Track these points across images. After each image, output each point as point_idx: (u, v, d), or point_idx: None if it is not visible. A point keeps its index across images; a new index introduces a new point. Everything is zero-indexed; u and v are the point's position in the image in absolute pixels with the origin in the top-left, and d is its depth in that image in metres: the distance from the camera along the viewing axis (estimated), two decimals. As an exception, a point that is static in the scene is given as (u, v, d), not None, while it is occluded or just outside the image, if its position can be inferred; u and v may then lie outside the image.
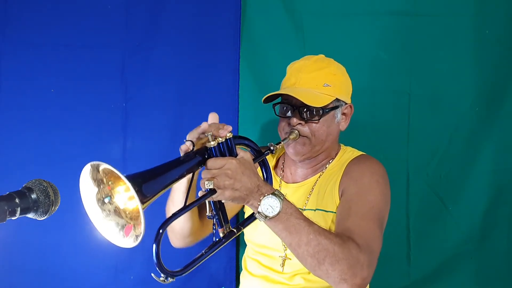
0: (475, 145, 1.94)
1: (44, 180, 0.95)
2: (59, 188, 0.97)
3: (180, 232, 1.56)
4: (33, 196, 0.92)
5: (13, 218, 0.90)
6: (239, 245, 1.92)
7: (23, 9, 1.80)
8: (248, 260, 1.67)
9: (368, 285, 1.62)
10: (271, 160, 1.72)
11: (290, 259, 1.52)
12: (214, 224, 1.27)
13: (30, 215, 0.94)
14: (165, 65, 1.89)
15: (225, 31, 1.91)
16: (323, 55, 1.61)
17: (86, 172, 1.03)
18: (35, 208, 0.92)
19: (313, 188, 1.57)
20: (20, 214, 0.91)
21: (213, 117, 1.29)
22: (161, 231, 1.10)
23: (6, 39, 1.80)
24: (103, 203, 1.06)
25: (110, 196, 1.06)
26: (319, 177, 1.58)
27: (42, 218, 0.95)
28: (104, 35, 1.85)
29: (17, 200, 0.90)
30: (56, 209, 0.96)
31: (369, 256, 1.26)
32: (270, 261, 1.57)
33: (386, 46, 1.94)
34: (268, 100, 1.58)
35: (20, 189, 0.93)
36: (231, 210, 1.66)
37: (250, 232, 1.64)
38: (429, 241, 1.95)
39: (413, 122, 1.93)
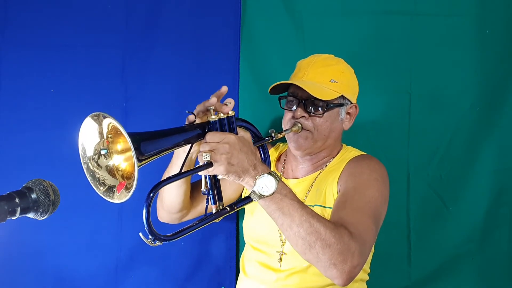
0: (475, 145, 1.94)
1: (44, 180, 0.95)
2: (59, 188, 0.97)
3: (168, 205, 1.57)
4: (33, 196, 0.92)
5: (13, 218, 0.90)
6: (239, 245, 1.91)
7: (23, 9, 1.80)
8: (246, 259, 1.67)
9: (367, 286, 1.62)
10: (273, 153, 1.74)
11: (286, 254, 1.52)
12: (207, 199, 1.28)
13: (30, 215, 0.94)
14: (164, 65, 1.89)
15: (225, 31, 1.91)
16: (333, 55, 1.62)
17: (89, 120, 1.07)
18: (35, 208, 0.93)
19: (313, 185, 1.57)
20: (20, 214, 0.91)
21: (223, 90, 1.31)
22: (151, 194, 1.11)
23: (6, 39, 1.79)
24: (99, 155, 1.09)
25: (107, 150, 1.10)
26: (319, 174, 1.59)
27: (42, 218, 0.95)
28: (104, 35, 1.85)
29: (17, 200, 0.90)
30: (56, 209, 0.96)
31: (361, 246, 1.26)
32: (268, 258, 1.57)
33: (386, 46, 1.94)
34: (275, 93, 1.58)
35: (20, 189, 0.93)
36: (231, 192, 1.66)
37: (249, 226, 1.65)
38: (429, 241, 1.94)
39: (413, 122, 1.93)
